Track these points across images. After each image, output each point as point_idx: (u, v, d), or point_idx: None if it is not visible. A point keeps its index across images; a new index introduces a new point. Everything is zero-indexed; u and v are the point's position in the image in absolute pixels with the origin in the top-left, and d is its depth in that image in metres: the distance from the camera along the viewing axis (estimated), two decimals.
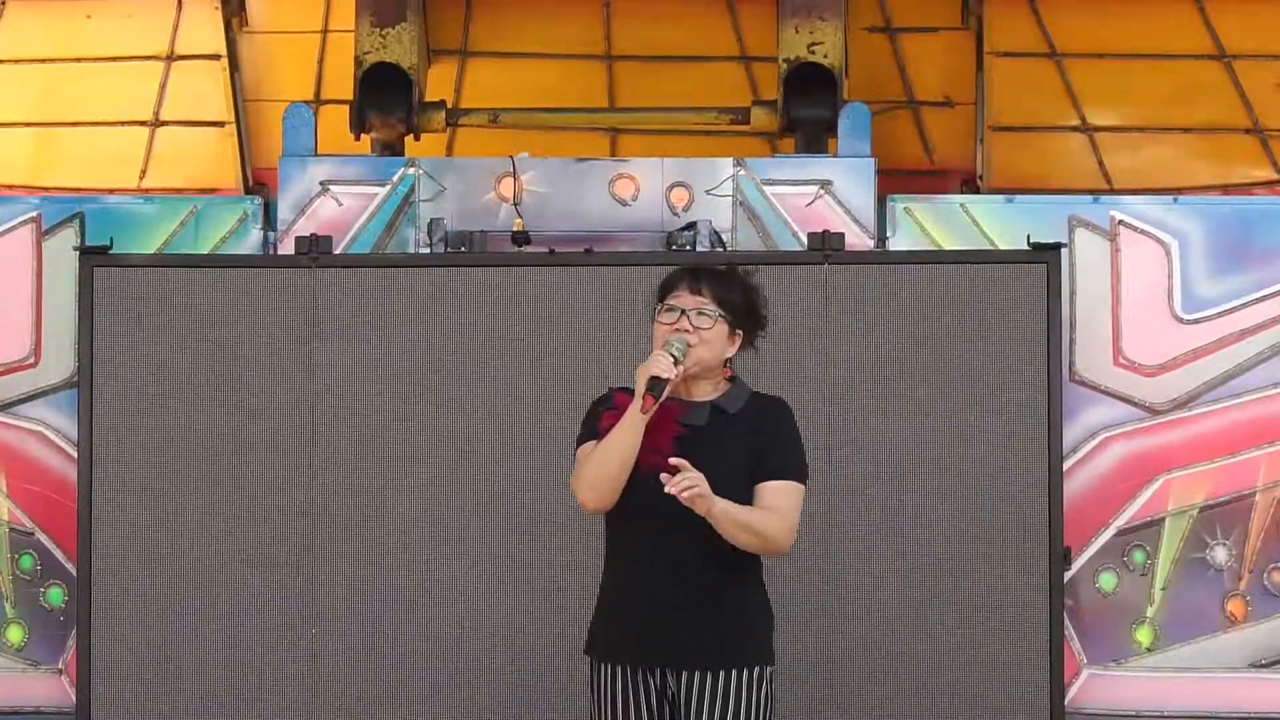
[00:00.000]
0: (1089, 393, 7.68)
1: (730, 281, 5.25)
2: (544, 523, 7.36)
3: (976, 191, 8.80)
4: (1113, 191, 8.78)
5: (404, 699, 7.43)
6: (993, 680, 7.39)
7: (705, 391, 5.23)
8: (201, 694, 7.45)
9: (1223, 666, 7.66)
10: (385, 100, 8.49)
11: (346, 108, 8.56)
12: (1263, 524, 7.67)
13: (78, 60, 9.10)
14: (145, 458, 7.48)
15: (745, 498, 5.13)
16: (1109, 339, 7.70)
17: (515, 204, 7.81)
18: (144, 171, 9.13)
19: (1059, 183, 8.90)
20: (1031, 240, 7.53)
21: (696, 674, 5.10)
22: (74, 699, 7.57)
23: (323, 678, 7.44)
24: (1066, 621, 7.52)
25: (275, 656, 7.45)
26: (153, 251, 7.75)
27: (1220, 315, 7.70)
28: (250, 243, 7.83)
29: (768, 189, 7.81)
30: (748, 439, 5.17)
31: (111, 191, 8.75)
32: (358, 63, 8.56)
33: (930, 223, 7.79)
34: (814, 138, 8.36)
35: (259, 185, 9.01)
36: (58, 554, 7.75)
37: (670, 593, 5.10)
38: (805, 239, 7.63)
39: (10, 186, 9.04)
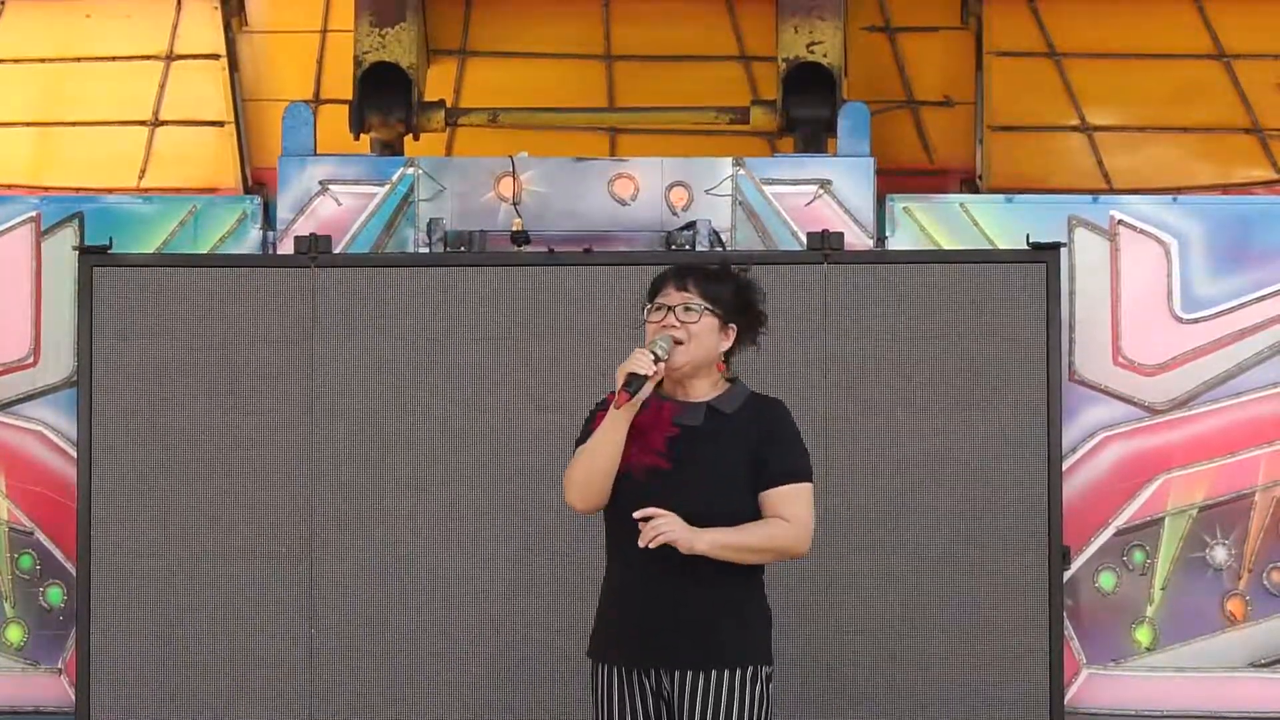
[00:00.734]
0: (1088, 392, 7.67)
1: (719, 277, 5.24)
2: (543, 522, 7.36)
3: (976, 191, 8.81)
4: (1112, 191, 8.78)
5: (403, 698, 7.43)
6: (992, 680, 7.38)
7: (703, 391, 5.22)
8: (201, 693, 7.45)
9: (1222, 666, 7.66)
10: (385, 100, 8.50)
11: (346, 107, 8.57)
12: (1262, 523, 7.67)
13: (77, 60, 9.10)
14: (144, 457, 7.48)
15: (743, 498, 5.13)
16: (1108, 339, 7.70)
17: (515, 204, 7.81)
18: (143, 171, 9.13)
19: (1058, 182, 8.91)
20: (1031, 240, 7.53)
21: (689, 674, 5.10)
22: (73, 699, 7.57)
23: (321, 677, 7.44)
24: (1066, 621, 7.52)
25: (274, 656, 7.45)
26: (152, 251, 7.75)
27: (1220, 315, 7.70)
28: (249, 242, 7.83)
29: (767, 189, 7.81)
30: (745, 441, 5.16)
31: (111, 191, 8.75)
32: (357, 62, 8.56)
33: (930, 222, 7.79)
34: (813, 137, 8.36)
35: (258, 185, 9.01)
36: (57, 554, 7.75)
37: (663, 593, 5.10)
38: (804, 239, 7.63)
39: (10, 186, 9.04)
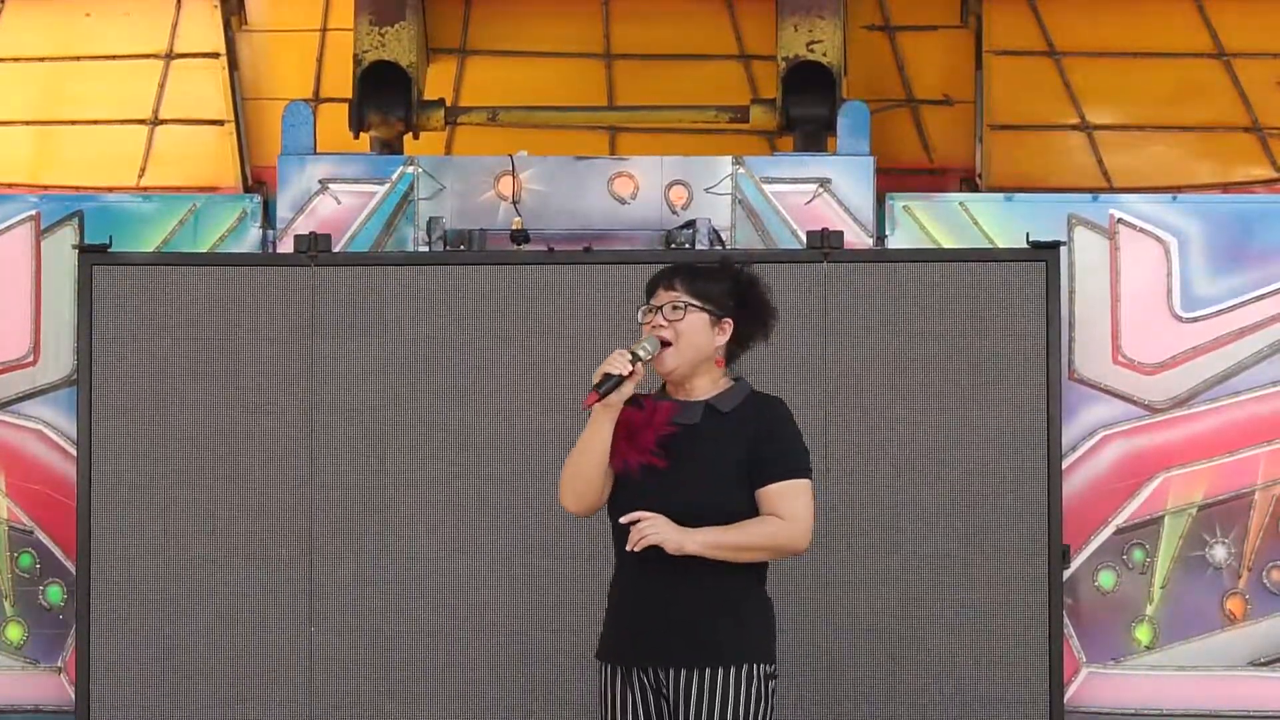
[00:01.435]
0: (1088, 391, 7.68)
1: (711, 274, 5.23)
2: (543, 520, 7.36)
3: (975, 190, 8.81)
4: (1112, 190, 8.78)
5: (403, 697, 7.43)
6: (992, 679, 7.38)
7: (703, 390, 5.22)
8: (200, 692, 7.45)
9: (1222, 665, 7.66)
10: (384, 99, 8.50)
11: (345, 106, 8.57)
12: (1262, 522, 7.67)
13: (77, 59, 9.10)
14: (144, 456, 7.48)
15: (741, 495, 5.13)
16: (1108, 337, 7.70)
17: (514, 202, 7.81)
18: (143, 170, 9.14)
19: (1058, 181, 8.91)
20: (1031, 239, 7.53)
21: (684, 672, 5.10)
22: (73, 698, 7.57)
23: (321, 676, 7.44)
24: (1066, 620, 7.52)
25: (274, 655, 7.45)
26: (152, 250, 7.75)
27: (1219, 314, 7.70)
28: (249, 241, 7.83)
29: (767, 187, 7.81)
30: (743, 438, 5.15)
31: (110, 190, 8.76)
32: (357, 61, 8.56)
33: (929, 221, 7.79)
34: (813, 136, 8.36)
35: (258, 184, 9.01)
36: (57, 552, 7.75)
37: (657, 592, 5.10)
38: (804, 237, 7.63)
39: (9, 185, 9.04)
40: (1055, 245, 7.52)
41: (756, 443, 5.15)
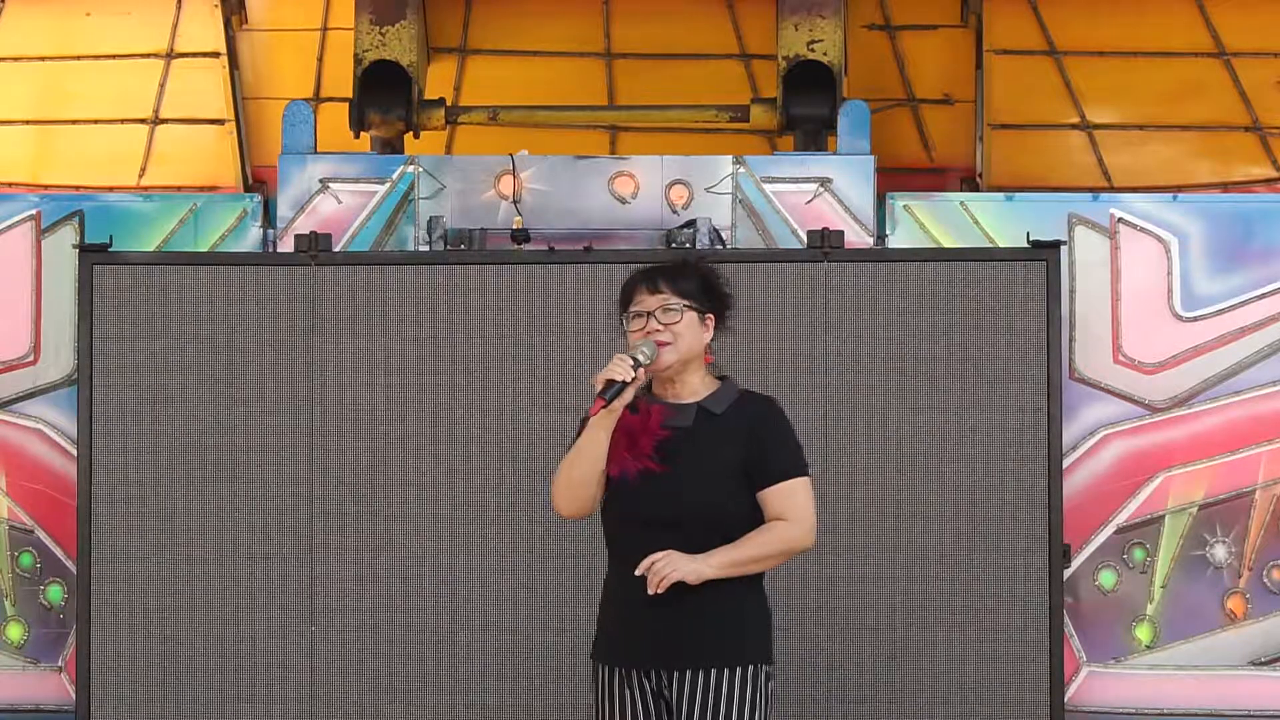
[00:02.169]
0: (1089, 390, 7.68)
1: (683, 270, 5.25)
2: (543, 520, 7.36)
3: (976, 189, 8.81)
4: (1112, 189, 8.79)
5: (403, 696, 7.43)
6: (993, 678, 7.39)
7: (693, 390, 5.21)
8: (201, 692, 7.45)
9: (1223, 664, 7.66)
10: (385, 98, 8.50)
11: (346, 105, 8.57)
12: (1262, 521, 7.67)
13: (77, 58, 9.11)
14: (145, 455, 7.48)
15: (737, 496, 5.14)
16: (1109, 336, 7.70)
17: (515, 202, 7.81)
18: (143, 169, 9.14)
19: (1059, 180, 8.91)
20: (1031, 238, 7.53)
21: (688, 673, 5.10)
22: (73, 697, 7.57)
23: (322, 675, 7.44)
24: (1066, 619, 7.52)
25: (274, 654, 7.45)
26: (152, 249, 7.75)
27: (1220, 313, 7.70)
28: (250, 240, 7.84)
29: (767, 187, 7.81)
30: (737, 440, 5.16)
31: (111, 189, 8.76)
32: (357, 60, 8.56)
33: (930, 220, 7.79)
34: (813, 135, 8.36)
35: (258, 183, 9.02)
36: (57, 552, 7.75)
37: (668, 594, 5.07)
38: (805, 237, 7.63)
39: (10, 184, 9.05)
40: (1056, 245, 7.52)
41: (754, 444, 5.16)
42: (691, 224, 7.70)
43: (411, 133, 8.59)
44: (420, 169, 7.85)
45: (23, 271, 7.82)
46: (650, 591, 5.03)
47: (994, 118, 8.90)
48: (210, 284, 7.51)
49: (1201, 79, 8.93)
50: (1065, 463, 7.53)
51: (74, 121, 9.15)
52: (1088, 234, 7.72)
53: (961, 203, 7.85)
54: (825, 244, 7.50)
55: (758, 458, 5.16)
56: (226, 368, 7.49)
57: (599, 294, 7.43)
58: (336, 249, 7.64)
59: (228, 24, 9.00)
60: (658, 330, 5.17)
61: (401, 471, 7.45)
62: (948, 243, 7.73)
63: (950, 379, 7.43)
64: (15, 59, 9.12)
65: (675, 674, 5.11)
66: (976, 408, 7.42)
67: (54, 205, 7.89)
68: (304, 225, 7.77)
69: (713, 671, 5.10)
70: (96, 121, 9.13)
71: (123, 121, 9.13)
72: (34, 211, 7.85)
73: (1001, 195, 7.94)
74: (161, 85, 9.11)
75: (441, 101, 8.73)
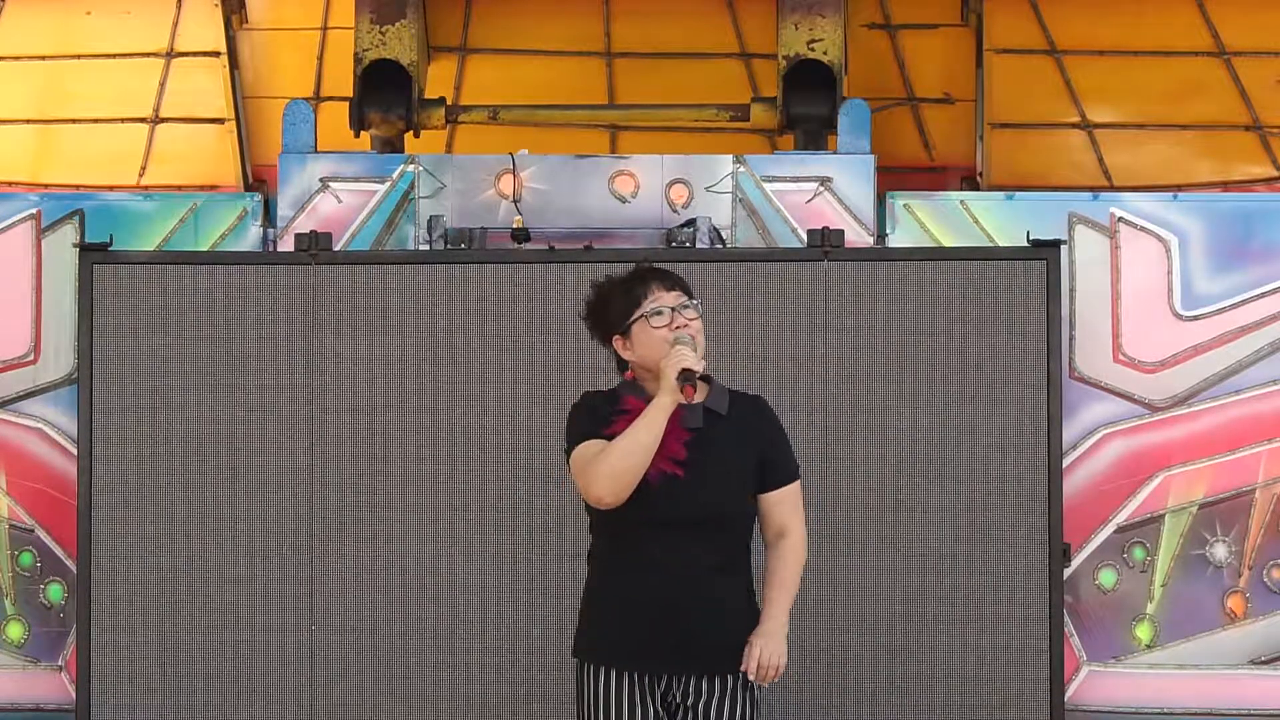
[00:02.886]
0: (1089, 389, 7.67)
1: (676, 275, 5.26)
2: (543, 518, 7.36)
3: (976, 188, 8.81)
4: (1112, 188, 8.79)
5: (403, 695, 7.43)
6: (993, 677, 7.39)
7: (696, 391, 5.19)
8: (201, 691, 7.45)
9: (1223, 663, 7.66)
10: (385, 97, 8.49)
11: (346, 105, 8.56)
12: (1262, 521, 7.67)
13: (77, 57, 9.10)
14: (145, 455, 7.48)
15: (748, 498, 5.15)
16: (1109, 336, 7.70)
17: (515, 201, 7.81)
18: (144, 168, 9.14)
19: (1059, 179, 8.91)
20: (1031, 237, 7.53)
21: (705, 679, 5.09)
22: (74, 696, 7.57)
23: (323, 674, 7.44)
24: (1066, 618, 7.52)
25: (274, 653, 7.45)
26: (152, 249, 7.75)
27: (1220, 312, 7.70)
28: (250, 240, 7.83)
29: (767, 186, 7.81)
30: (748, 442, 5.16)
31: (111, 188, 8.76)
32: (357, 60, 8.56)
33: (930, 219, 7.79)
34: (814, 134, 8.36)
35: (259, 182, 9.01)
36: (57, 551, 7.75)
37: (683, 598, 5.08)
38: (805, 236, 7.63)
39: (10, 183, 9.04)
40: (1056, 244, 7.52)
41: (768, 446, 5.18)
42: (691, 223, 7.70)
43: (412, 132, 8.58)
44: (420, 168, 7.85)
45: (23, 271, 7.82)
46: (765, 684, 5.08)
47: (994, 117, 8.90)
48: (210, 283, 7.51)
49: (1202, 78, 8.93)
50: (1065, 462, 7.53)
51: (74, 121, 9.14)
52: (1088, 233, 7.72)
53: (962, 202, 7.85)
54: (825, 243, 7.50)
55: (771, 460, 5.18)
56: (226, 367, 7.49)
57: None
58: (337, 248, 7.64)
59: (228, 23, 9.00)
60: (684, 326, 5.14)
61: (401, 470, 7.45)
62: (948, 242, 7.73)
63: (950, 378, 7.43)
64: (15, 58, 9.12)
65: (687, 678, 5.09)
66: (976, 407, 7.42)
67: (54, 204, 7.89)
68: (304, 224, 7.77)
69: (729, 678, 5.10)
70: (97, 121, 9.13)
71: (123, 121, 9.13)
72: (34, 211, 7.84)
73: (1002, 194, 7.94)
74: (162, 84, 9.11)
75: (442, 101, 8.72)
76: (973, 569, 7.40)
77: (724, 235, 7.74)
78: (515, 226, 7.73)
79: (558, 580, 7.37)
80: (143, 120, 9.13)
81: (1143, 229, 7.73)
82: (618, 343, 5.26)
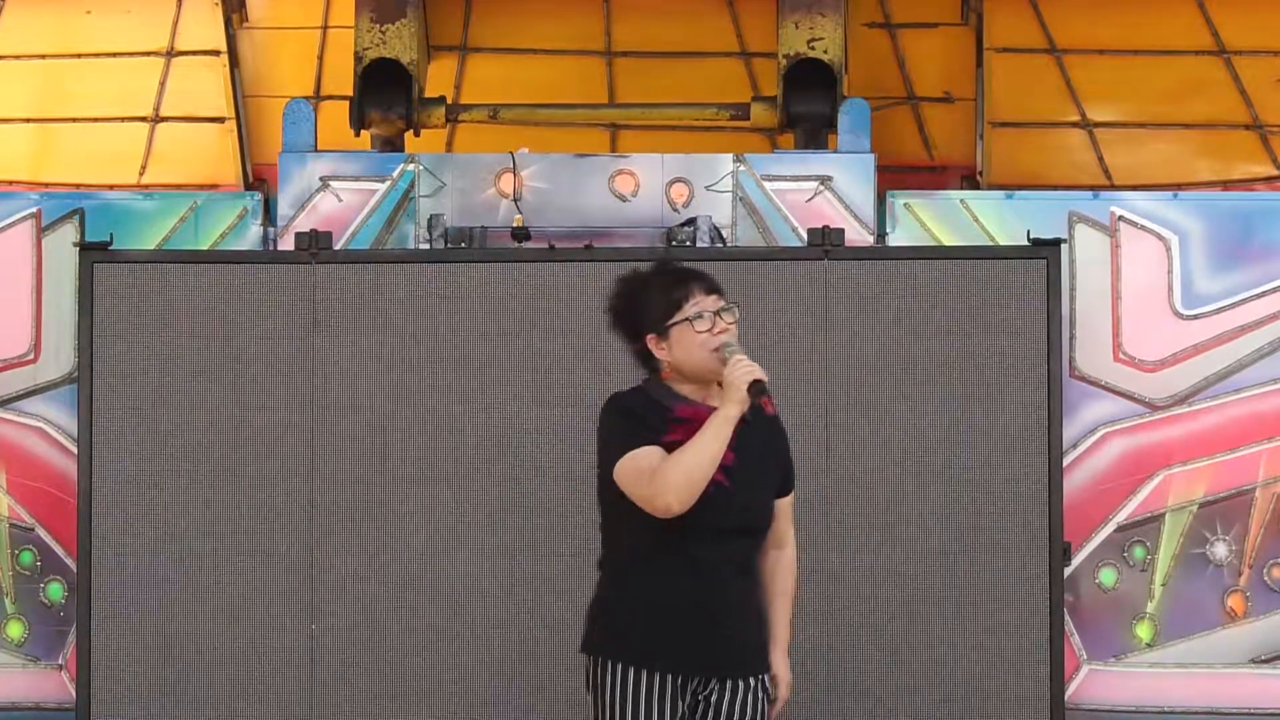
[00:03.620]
0: (1089, 388, 7.67)
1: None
2: (544, 517, 7.36)
3: (976, 187, 8.81)
4: (1113, 187, 8.78)
5: (403, 695, 7.43)
6: (993, 677, 7.39)
7: (716, 396, 5.10)
8: (202, 690, 7.45)
9: (1223, 662, 7.66)
10: (385, 96, 8.49)
11: (346, 104, 8.56)
12: (1263, 520, 7.67)
13: (78, 56, 9.10)
14: (145, 454, 7.48)
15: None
16: (1109, 335, 7.70)
17: (515, 200, 7.81)
18: (144, 167, 9.14)
19: (1059, 178, 8.91)
20: (1031, 236, 7.53)
21: (740, 681, 5.10)
22: (74, 695, 7.57)
23: (323, 674, 7.44)
24: (1067, 617, 7.52)
25: (276, 652, 7.45)
26: (153, 247, 7.75)
27: (1220, 311, 7.70)
28: (250, 239, 7.83)
29: (768, 185, 7.81)
30: (774, 449, 5.17)
31: (111, 187, 8.75)
32: (357, 59, 8.56)
33: (930, 218, 7.79)
34: (814, 133, 8.36)
35: (259, 181, 9.01)
36: (57, 550, 7.75)
37: (715, 600, 5.05)
38: (805, 235, 7.63)
39: (10, 182, 9.04)
40: (1056, 243, 7.52)
41: (781, 453, 5.20)
42: (692, 222, 7.70)
43: (412, 131, 8.58)
44: (421, 167, 7.85)
45: (23, 270, 7.82)
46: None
47: (994, 116, 8.90)
48: (211, 282, 7.51)
49: (1202, 77, 8.93)
50: (1065, 461, 7.53)
51: (74, 120, 9.14)
52: (1088, 232, 7.72)
53: (962, 201, 7.85)
54: (826, 242, 7.50)
55: (785, 466, 5.22)
56: (227, 366, 7.49)
57: (600, 292, 7.40)
58: (337, 247, 7.64)
59: (228, 22, 9.00)
60: (725, 330, 5.07)
61: (401, 469, 7.45)
62: (948, 241, 7.73)
63: (950, 377, 7.43)
64: (15, 57, 9.11)
65: (718, 679, 5.08)
66: (977, 406, 7.42)
67: (54, 203, 7.89)
68: (304, 223, 7.77)
69: (753, 679, 5.12)
70: (97, 120, 9.13)
71: (123, 120, 9.12)
72: (34, 210, 7.84)
73: (1002, 193, 7.95)
74: (162, 83, 9.11)
75: (442, 99, 8.72)
76: (973, 568, 7.40)
77: (724, 234, 7.73)
78: (515, 225, 7.73)
79: (559, 579, 7.37)
80: (143, 119, 9.13)
81: (1143, 228, 7.73)
82: (652, 341, 5.14)
